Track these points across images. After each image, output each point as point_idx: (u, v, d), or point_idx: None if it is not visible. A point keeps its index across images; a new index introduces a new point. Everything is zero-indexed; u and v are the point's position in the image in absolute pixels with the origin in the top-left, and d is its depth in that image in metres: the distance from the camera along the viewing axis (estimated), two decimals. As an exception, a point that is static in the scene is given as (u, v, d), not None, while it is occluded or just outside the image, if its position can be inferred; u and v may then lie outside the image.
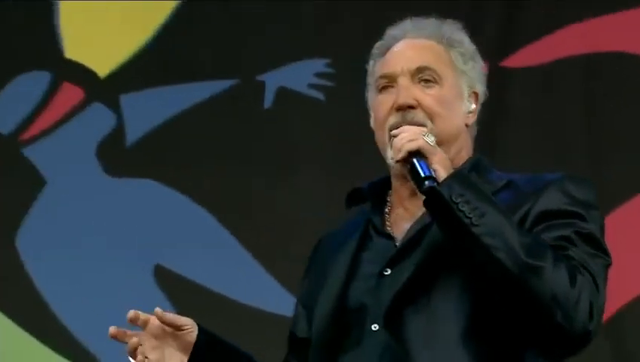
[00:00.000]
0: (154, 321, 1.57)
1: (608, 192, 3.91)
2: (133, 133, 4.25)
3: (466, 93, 1.70)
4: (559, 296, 1.43)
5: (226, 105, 4.49)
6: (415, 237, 1.57)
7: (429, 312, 1.51)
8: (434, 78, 1.64)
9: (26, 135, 4.29)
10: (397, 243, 1.61)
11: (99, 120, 4.36)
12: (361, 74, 1.88)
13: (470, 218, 1.42)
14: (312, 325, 1.72)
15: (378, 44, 1.77)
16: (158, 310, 1.58)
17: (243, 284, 4.22)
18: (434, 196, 1.44)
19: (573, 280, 1.45)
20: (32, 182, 4.19)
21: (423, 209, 1.56)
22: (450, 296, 1.52)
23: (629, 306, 4.05)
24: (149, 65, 4.44)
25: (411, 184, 1.54)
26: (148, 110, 4.24)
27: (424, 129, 1.55)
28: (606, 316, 3.71)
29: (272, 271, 4.13)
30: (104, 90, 4.33)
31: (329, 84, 4.34)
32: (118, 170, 4.29)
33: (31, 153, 4.27)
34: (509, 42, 4.40)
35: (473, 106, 1.72)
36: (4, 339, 4.13)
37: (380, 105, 1.66)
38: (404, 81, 1.61)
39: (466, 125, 1.70)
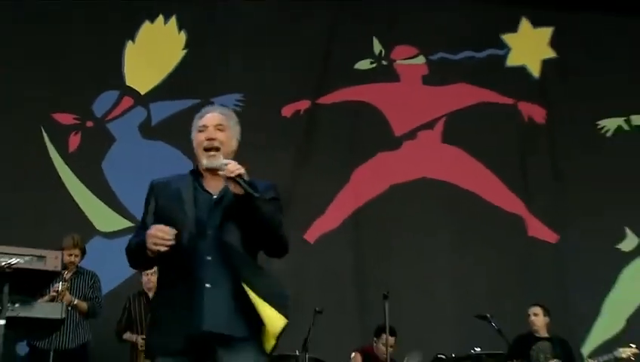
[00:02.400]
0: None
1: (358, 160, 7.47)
2: (155, 120, 7.27)
3: (235, 136, 2.87)
4: (284, 238, 2.72)
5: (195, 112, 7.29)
6: (221, 197, 2.68)
7: (229, 228, 2.64)
8: (223, 128, 2.80)
9: (108, 117, 7.25)
10: (214, 196, 2.71)
11: (139, 114, 7.31)
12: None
13: (259, 205, 2.57)
14: (163, 217, 2.68)
15: (198, 115, 2.89)
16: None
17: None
18: (250, 195, 2.52)
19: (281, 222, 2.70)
20: (110, 140, 7.13)
21: (220, 185, 2.71)
22: (235, 223, 2.65)
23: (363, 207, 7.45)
24: (164, 90, 7.42)
25: (215, 173, 2.66)
26: (162, 110, 7.22)
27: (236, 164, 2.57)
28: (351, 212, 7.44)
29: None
30: (142, 100, 7.34)
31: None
32: (147, 136, 7.24)
33: (110, 126, 7.23)
34: (321, 90, 7.75)
35: (235, 143, 2.86)
36: (96, 209, 6.94)
37: (199, 136, 2.77)
38: (210, 128, 2.76)
39: (233, 150, 2.83)
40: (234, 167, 2.54)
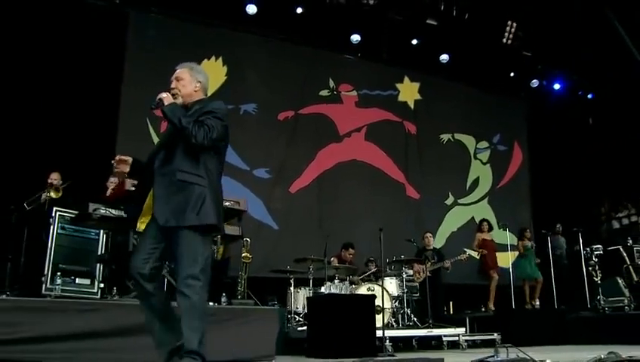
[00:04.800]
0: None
1: (319, 147, 10.84)
2: None
3: (193, 81, 3.28)
4: (193, 133, 3.03)
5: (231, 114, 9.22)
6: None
7: (173, 143, 3.13)
8: (180, 78, 3.27)
9: None
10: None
11: None
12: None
13: (170, 117, 3.03)
14: None
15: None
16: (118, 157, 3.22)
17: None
18: (163, 112, 3.01)
19: (200, 128, 3.04)
20: None
21: None
22: (177, 137, 3.10)
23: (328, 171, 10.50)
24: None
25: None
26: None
27: (168, 94, 3.11)
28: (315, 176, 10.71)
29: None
30: None
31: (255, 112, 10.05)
32: None
33: None
34: (300, 105, 10.46)
35: (198, 84, 3.29)
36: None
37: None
38: (173, 81, 3.25)
39: (195, 91, 3.29)
40: (160, 95, 3.13)
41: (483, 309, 9.90)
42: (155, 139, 9.06)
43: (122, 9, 9.47)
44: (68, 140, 8.30)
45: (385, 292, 7.59)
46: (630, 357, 4.22)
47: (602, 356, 4.06)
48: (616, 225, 13.78)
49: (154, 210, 3.09)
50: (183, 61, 7.83)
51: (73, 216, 5.24)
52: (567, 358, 3.54)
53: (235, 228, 6.13)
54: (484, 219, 10.53)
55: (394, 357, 5.69)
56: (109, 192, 6.43)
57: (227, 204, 5.09)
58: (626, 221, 13.64)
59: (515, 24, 11.26)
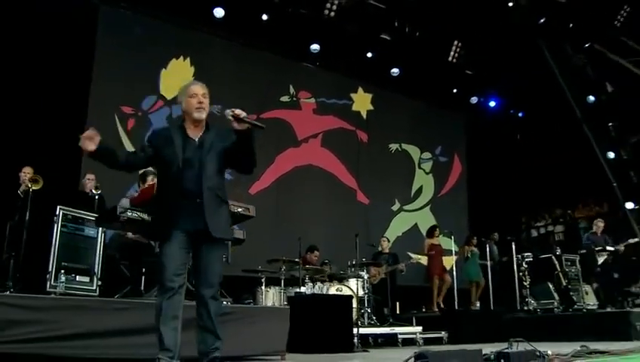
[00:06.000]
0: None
1: (278, 151, 11.18)
2: (174, 114, 9.39)
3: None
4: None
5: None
6: (200, 141, 3.14)
7: (208, 161, 3.15)
8: (205, 95, 3.26)
9: (150, 111, 9.46)
10: (196, 140, 3.18)
11: (166, 110, 9.55)
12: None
13: (254, 144, 3.13)
14: (160, 154, 3.14)
15: (183, 87, 3.30)
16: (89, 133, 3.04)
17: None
18: (249, 131, 3.03)
19: None
20: (149, 124, 9.26)
21: (198, 134, 3.18)
22: (213, 157, 3.16)
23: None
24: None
25: (196, 123, 3.20)
26: (177, 110, 8.81)
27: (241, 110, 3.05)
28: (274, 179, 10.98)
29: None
30: (168, 103, 9.52)
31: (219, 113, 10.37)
32: (169, 123, 9.00)
33: (150, 116, 9.43)
34: (262, 109, 10.73)
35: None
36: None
37: (192, 100, 3.18)
38: (200, 96, 3.22)
39: None
40: (240, 111, 3.08)
41: (424, 310, 10.64)
42: (124, 137, 9.21)
43: (92, 2, 9.39)
44: (35, 137, 8.14)
45: (352, 293, 8.14)
46: (596, 349, 5.07)
47: (578, 348, 4.82)
48: (534, 233, 15.21)
49: (208, 221, 3.16)
50: (153, 59, 8.94)
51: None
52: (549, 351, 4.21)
53: (240, 231, 6.38)
54: (435, 226, 11.27)
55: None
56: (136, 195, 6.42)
57: (239, 209, 5.32)
58: (542, 230, 15.09)
59: (460, 44, 12.19)
